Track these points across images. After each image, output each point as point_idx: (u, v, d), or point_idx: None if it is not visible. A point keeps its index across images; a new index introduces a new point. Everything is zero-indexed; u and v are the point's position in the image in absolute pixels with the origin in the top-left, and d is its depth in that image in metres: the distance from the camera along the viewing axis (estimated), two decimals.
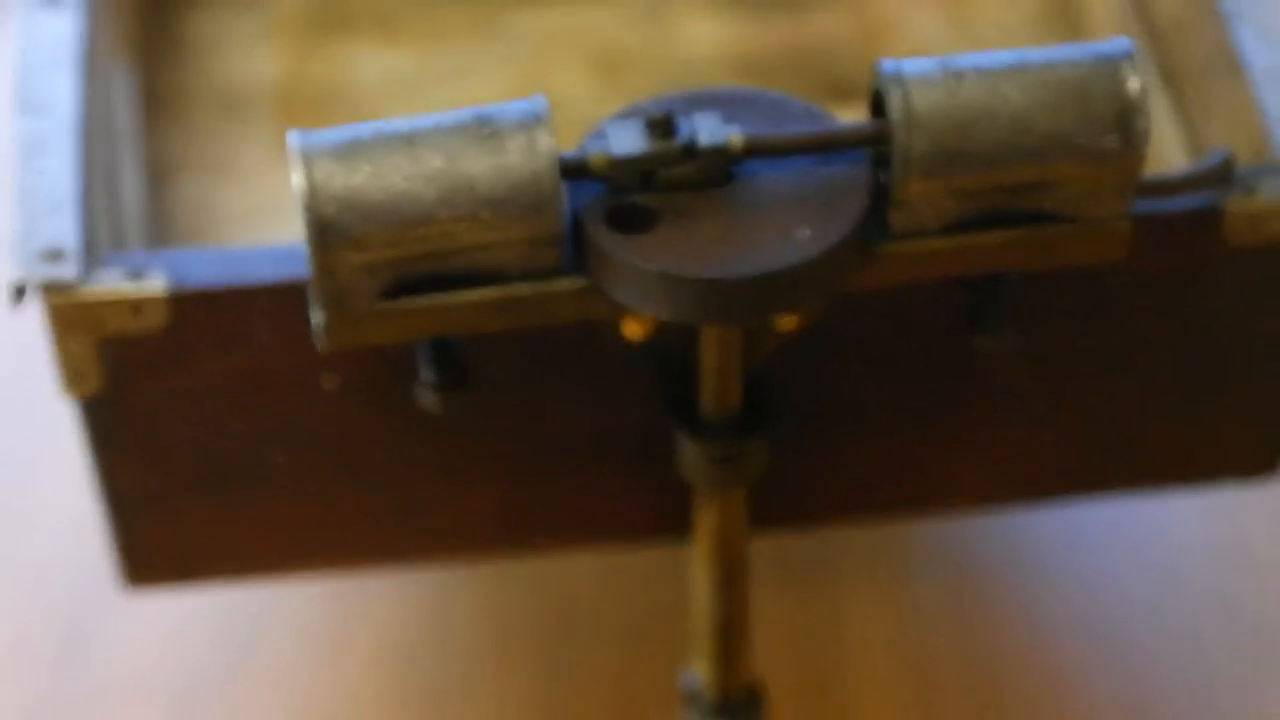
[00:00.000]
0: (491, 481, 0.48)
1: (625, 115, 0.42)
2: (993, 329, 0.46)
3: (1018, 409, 0.49)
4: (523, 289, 0.42)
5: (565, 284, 0.42)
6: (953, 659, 0.64)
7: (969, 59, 0.41)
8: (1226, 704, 0.63)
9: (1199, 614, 0.66)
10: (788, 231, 0.41)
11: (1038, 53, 0.42)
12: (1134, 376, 0.49)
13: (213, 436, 0.46)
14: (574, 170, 0.41)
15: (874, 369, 0.48)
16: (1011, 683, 0.64)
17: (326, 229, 0.40)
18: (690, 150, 0.41)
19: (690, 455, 0.46)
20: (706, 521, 0.47)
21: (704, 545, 0.48)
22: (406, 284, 0.42)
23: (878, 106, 0.42)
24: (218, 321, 0.45)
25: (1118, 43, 0.42)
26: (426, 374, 0.45)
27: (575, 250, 0.41)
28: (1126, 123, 0.41)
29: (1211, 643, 0.65)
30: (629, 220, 0.41)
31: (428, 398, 0.45)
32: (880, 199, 0.42)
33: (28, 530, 0.69)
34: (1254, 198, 0.47)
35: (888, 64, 0.41)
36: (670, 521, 0.49)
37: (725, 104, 0.42)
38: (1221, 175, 0.47)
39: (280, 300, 0.45)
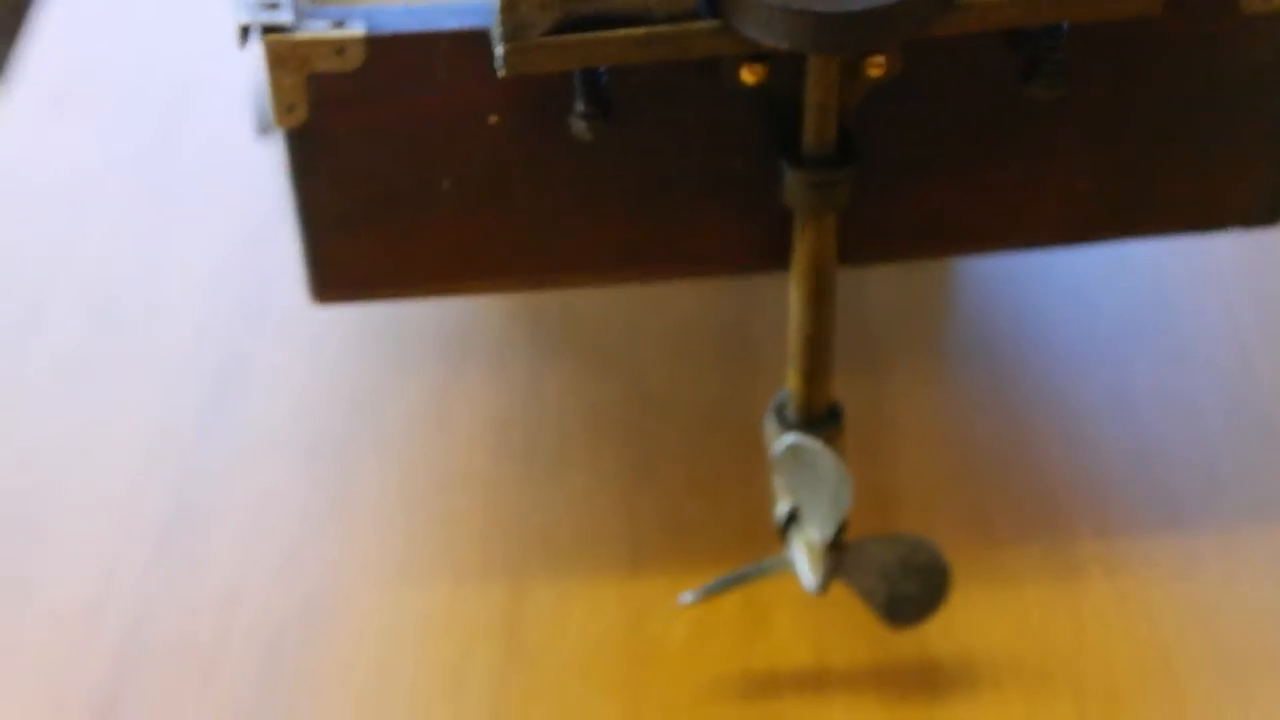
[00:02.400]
0: (618, 212, 0.57)
1: None
2: (1045, 81, 0.56)
3: (1060, 157, 0.59)
4: (665, 29, 0.51)
5: (700, 25, 0.52)
6: (989, 438, 0.74)
7: None
8: (1226, 474, 0.73)
9: (1201, 389, 0.76)
10: None
11: None
12: (1157, 131, 0.58)
13: (393, 167, 0.56)
14: None
15: (942, 116, 0.57)
16: (1043, 461, 0.73)
17: None
18: None
19: (793, 183, 0.55)
20: (803, 244, 0.57)
21: (801, 266, 0.57)
22: (572, 23, 0.51)
23: None
24: (406, 62, 0.54)
25: None
26: (579, 106, 0.55)
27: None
28: None
29: (1212, 414, 0.75)
30: None
31: (579, 126, 0.55)
32: None
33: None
34: None
35: None
36: (770, 251, 0.59)
37: None
38: None
39: (460, 44, 0.54)
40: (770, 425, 0.61)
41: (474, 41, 0.54)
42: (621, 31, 0.51)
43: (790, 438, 0.58)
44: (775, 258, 0.59)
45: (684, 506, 0.71)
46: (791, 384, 0.60)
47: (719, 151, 0.57)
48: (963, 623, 0.66)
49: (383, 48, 0.54)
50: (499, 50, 0.51)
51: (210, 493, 0.72)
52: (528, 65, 0.51)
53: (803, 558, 0.59)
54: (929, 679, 0.64)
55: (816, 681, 0.64)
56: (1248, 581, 0.67)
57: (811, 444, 0.57)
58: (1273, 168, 0.59)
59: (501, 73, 0.52)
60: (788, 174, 0.55)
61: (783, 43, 0.50)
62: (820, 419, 0.60)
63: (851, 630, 0.66)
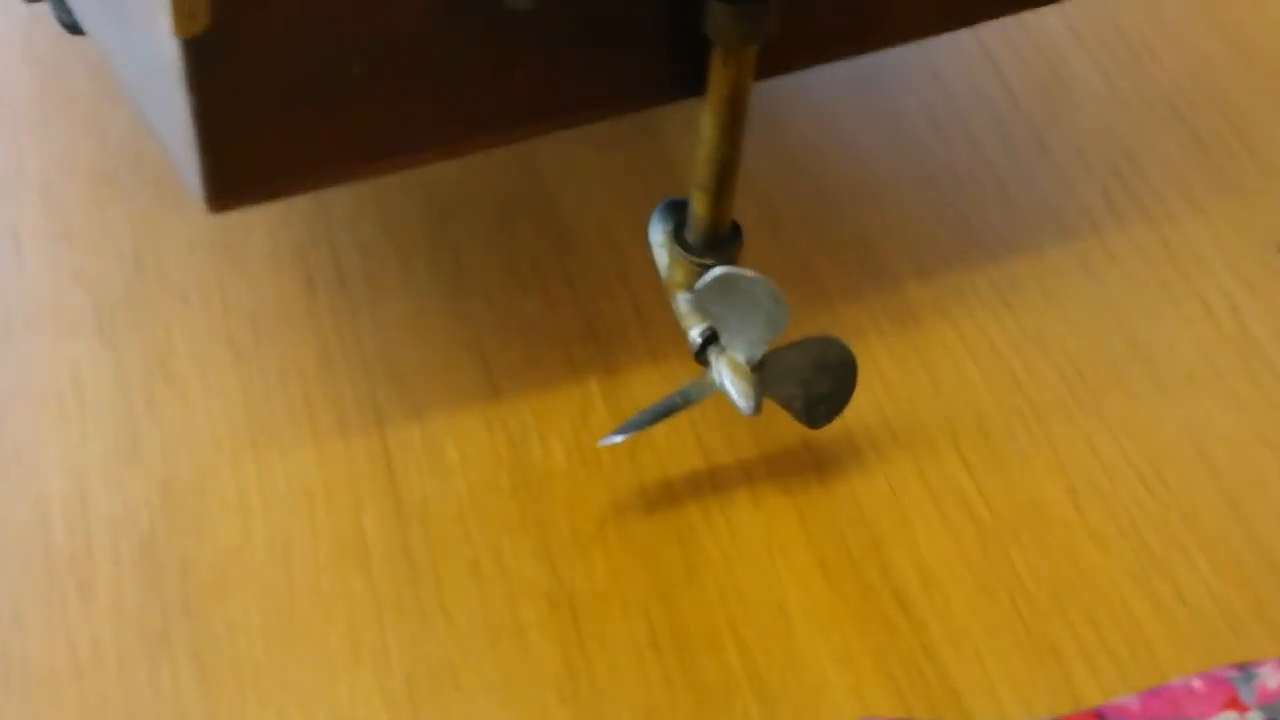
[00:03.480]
0: (533, 63, 0.54)
1: None
2: None
3: None
4: None
5: None
6: (792, 192, 0.74)
7: None
8: (1017, 192, 0.75)
9: (970, 113, 0.78)
10: None
11: None
12: None
13: (299, 58, 0.51)
14: None
15: None
16: (848, 208, 0.74)
17: None
18: None
19: (719, 15, 0.53)
20: (724, 75, 0.55)
21: (719, 96, 0.55)
22: None
23: None
24: None
25: None
26: None
27: None
28: None
29: (986, 136, 0.77)
30: None
31: None
32: None
33: None
34: None
35: None
36: (685, 81, 0.56)
37: None
38: None
39: None
40: (668, 249, 0.60)
41: None
42: None
43: (719, 270, 0.57)
44: (691, 87, 0.57)
45: (519, 309, 0.69)
46: (697, 209, 0.58)
47: None
48: None
49: None
50: None
51: (10, 381, 0.66)
52: None
53: (730, 380, 0.58)
54: (815, 457, 0.65)
55: (712, 481, 0.65)
56: (1065, 294, 0.70)
57: (745, 274, 0.57)
58: None
59: None
60: (712, 5, 0.53)
61: None
62: (725, 238, 0.59)
63: (727, 425, 0.66)
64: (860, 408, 0.66)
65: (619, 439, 0.60)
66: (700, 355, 0.59)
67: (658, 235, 0.60)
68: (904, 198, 0.74)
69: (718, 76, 0.55)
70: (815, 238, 0.72)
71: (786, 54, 0.57)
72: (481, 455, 0.65)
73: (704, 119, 0.56)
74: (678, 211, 0.60)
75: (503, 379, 0.67)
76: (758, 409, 0.58)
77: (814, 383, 0.60)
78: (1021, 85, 0.77)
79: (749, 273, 0.56)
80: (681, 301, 0.59)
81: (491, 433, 0.66)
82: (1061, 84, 0.79)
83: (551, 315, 0.69)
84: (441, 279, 0.70)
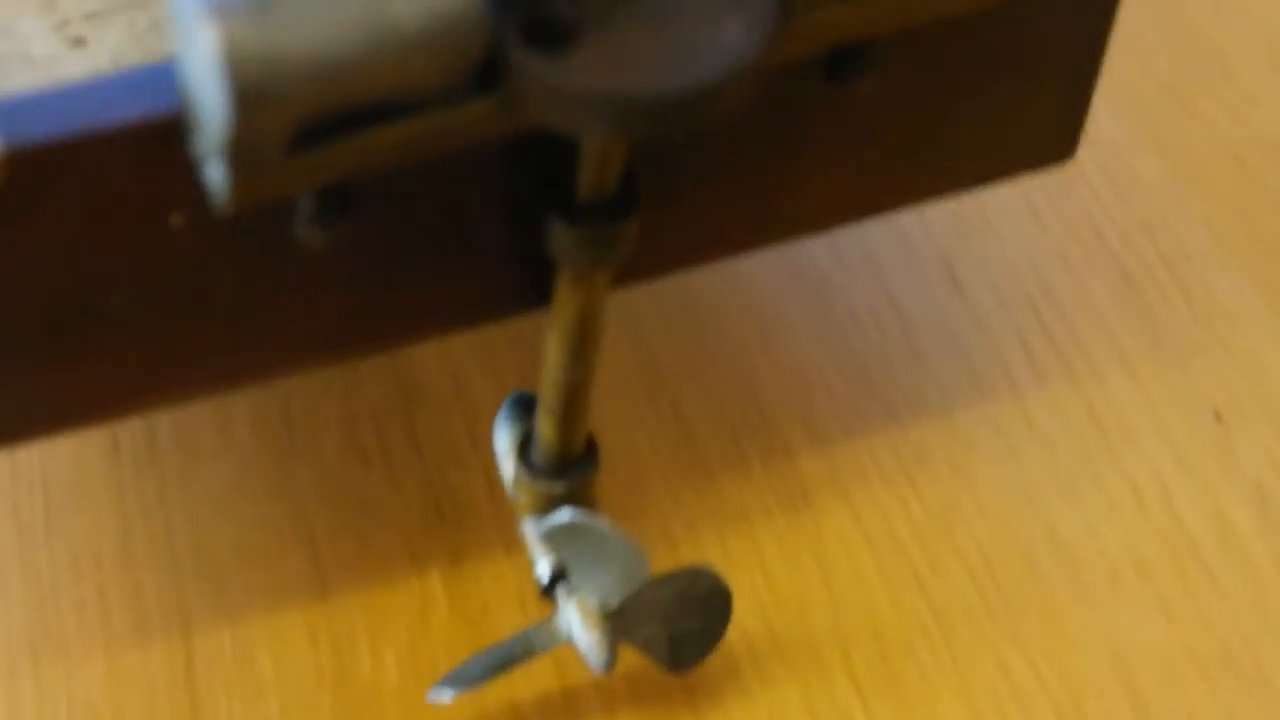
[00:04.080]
0: (340, 294, 0.45)
1: None
2: (851, 79, 0.45)
3: (849, 141, 0.49)
4: (443, 119, 0.38)
5: (487, 110, 0.39)
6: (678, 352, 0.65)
7: None
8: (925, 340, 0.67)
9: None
10: (714, 27, 0.38)
11: None
12: (946, 90, 0.49)
13: (48, 287, 0.41)
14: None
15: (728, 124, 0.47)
16: (738, 363, 0.65)
17: (244, 94, 0.36)
18: None
19: (562, 240, 0.44)
20: (572, 299, 0.46)
21: (566, 319, 0.46)
22: (317, 128, 0.38)
23: None
24: (62, 174, 0.39)
25: None
26: (308, 206, 0.41)
27: (493, 73, 0.38)
28: None
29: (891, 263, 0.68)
30: (550, 35, 0.38)
31: (309, 233, 0.41)
32: None
33: None
34: None
35: None
36: (520, 299, 0.47)
37: None
38: None
39: (133, 138, 0.39)
40: (514, 464, 0.51)
41: (152, 132, 0.40)
42: (388, 131, 0.38)
43: (565, 515, 0.48)
44: (536, 299, 0.48)
45: (356, 481, 0.60)
46: (544, 431, 0.49)
47: (472, 197, 0.45)
48: None
49: (29, 163, 0.39)
50: (216, 177, 0.38)
51: None
52: (264, 192, 0.38)
53: (579, 628, 0.50)
54: (686, 681, 0.57)
55: (567, 707, 0.56)
56: (976, 468, 0.62)
57: (598, 526, 0.48)
58: (1066, 104, 0.51)
59: (224, 206, 0.38)
60: (554, 227, 0.44)
61: (601, 131, 0.38)
62: (577, 461, 0.50)
63: None
64: (743, 612, 0.58)
65: (449, 696, 0.51)
66: (548, 591, 0.50)
67: (503, 442, 0.51)
68: (798, 343, 0.65)
69: (565, 300, 0.46)
70: (698, 392, 0.63)
71: (655, 259, 0.48)
72: (300, 668, 0.56)
73: (549, 339, 0.47)
74: (528, 414, 0.51)
75: (332, 569, 0.58)
76: (610, 665, 0.50)
77: (679, 620, 0.51)
78: (932, 205, 0.69)
79: (602, 525, 0.48)
80: (529, 527, 0.51)
81: (314, 639, 0.57)
82: (975, 202, 0.70)
83: (393, 489, 0.60)
84: (267, 441, 0.61)
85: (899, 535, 0.61)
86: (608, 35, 0.37)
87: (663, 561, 0.58)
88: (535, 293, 0.47)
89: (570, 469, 0.50)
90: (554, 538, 0.49)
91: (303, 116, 0.36)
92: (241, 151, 0.36)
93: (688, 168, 0.47)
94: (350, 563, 0.58)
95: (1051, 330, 0.66)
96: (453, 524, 0.60)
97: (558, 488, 0.49)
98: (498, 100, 0.37)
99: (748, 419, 0.63)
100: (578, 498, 0.49)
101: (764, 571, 0.59)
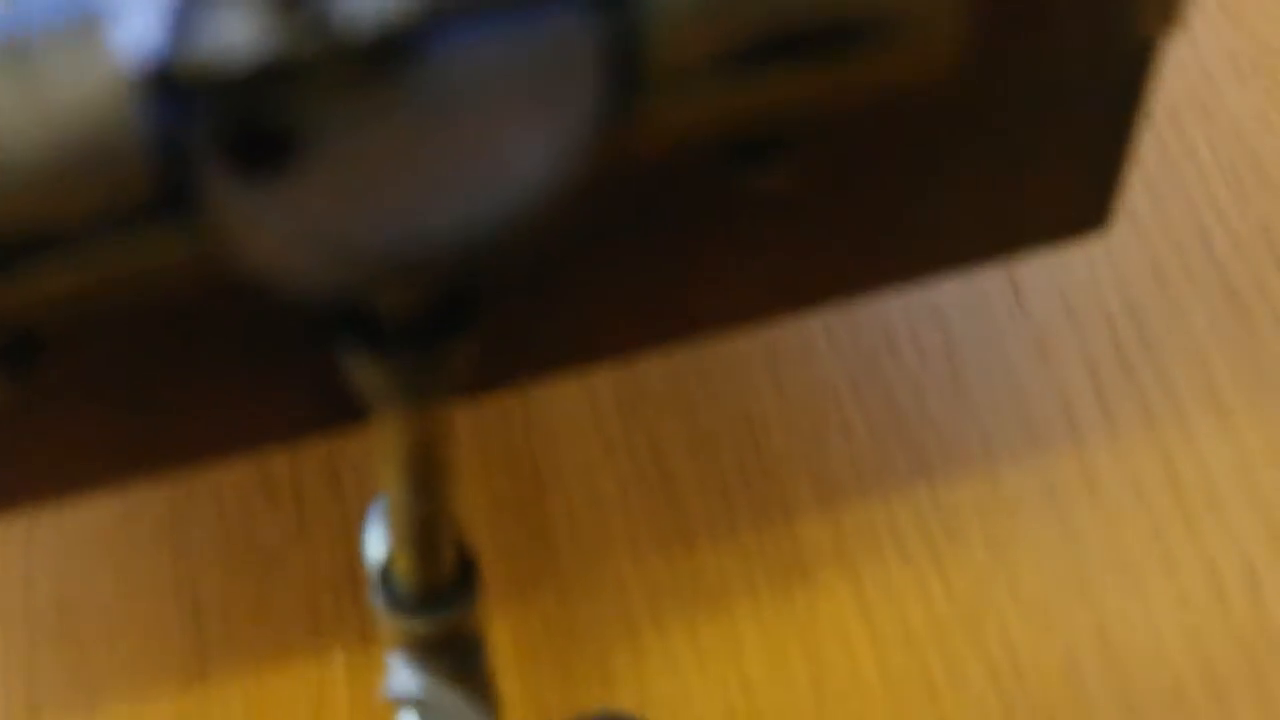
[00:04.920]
0: (99, 414, 0.34)
1: None
2: (762, 169, 0.33)
3: (779, 226, 0.37)
4: (107, 258, 0.27)
5: (174, 245, 0.27)
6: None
7: None
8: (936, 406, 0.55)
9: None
10: (499, 140, 0.26)
11: None
12: (907, 167, 0.37)
13: None
14: (163, 86, 0.26)
15: (625, 217, 0.35)
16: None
17: None
18: (332, 36, 0.26)
19: (364, 373, 0.32)
20: (399, 434, 0.35)
21: (394, 453, 0.35)
22: None
23: None
24: None
25: None
26: None
27: (183, 199, 0.27)
28: None
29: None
30: (257, 150, 0.26)
31: None
32: (624, 50, 0.28)
33: None
34: None
35: None
36: (336, 413, 0.36)
37: None
38: None
39: None
40: (382, 603, 0.40)
41: None
42: (42, 279, 0.27)
43: (421, 691, 0.37)
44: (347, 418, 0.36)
45: (259, 533, 0.50)
46: (401, 567, 0.39)
47: (249, 323, 0.33)
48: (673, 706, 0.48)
49: None
50: None
51: None
52: None
53: None
54: None
55: None
56: (1018, 543, 0.50)
57: (453, 703, 0.37)
58: (1087, 170, 0.39)
59: None
60: (351, 357, 0.32)
61: (325, 285, 0.27)
62: (447, 592, 0.39)
63: None
64: None
65: None
66: None
67: (375, 551, 0.40)
68: (815, 367, 0.54)
69: (392, 434, 0.34)
70: (683, 428, 0.52)
71: (530, 364, 0.37)
72: None
73: (389, 477, 0.36)
74: None
75: (216, 642, 0.48)
76: None
77: None
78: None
79: (455, 703, 0.37)
80: (392, 663, 0.40)
81: None
82: None
83: (301, 537, 0.50)
84: (155, 541, 0.51)
85: (912, 628, 0.49)
86: (344, 150, 0.25)
87: (594, 692, 0.47)
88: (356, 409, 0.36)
89: (439, 602, 0.39)
90: (404, 703, 0.38)
91: None
92: None
93: (562, 254, 0.35)
94: (239, 634, 0.48)
95: (1130, 361, 0.54)
96: (367, 589, 0.49)
97: (422, 626, 0.39)
98: (187, 235, 0.26)
99: (742, 466, 0.52)
100: (453, 637, 0.39)
101: (739, 671, 0.48)
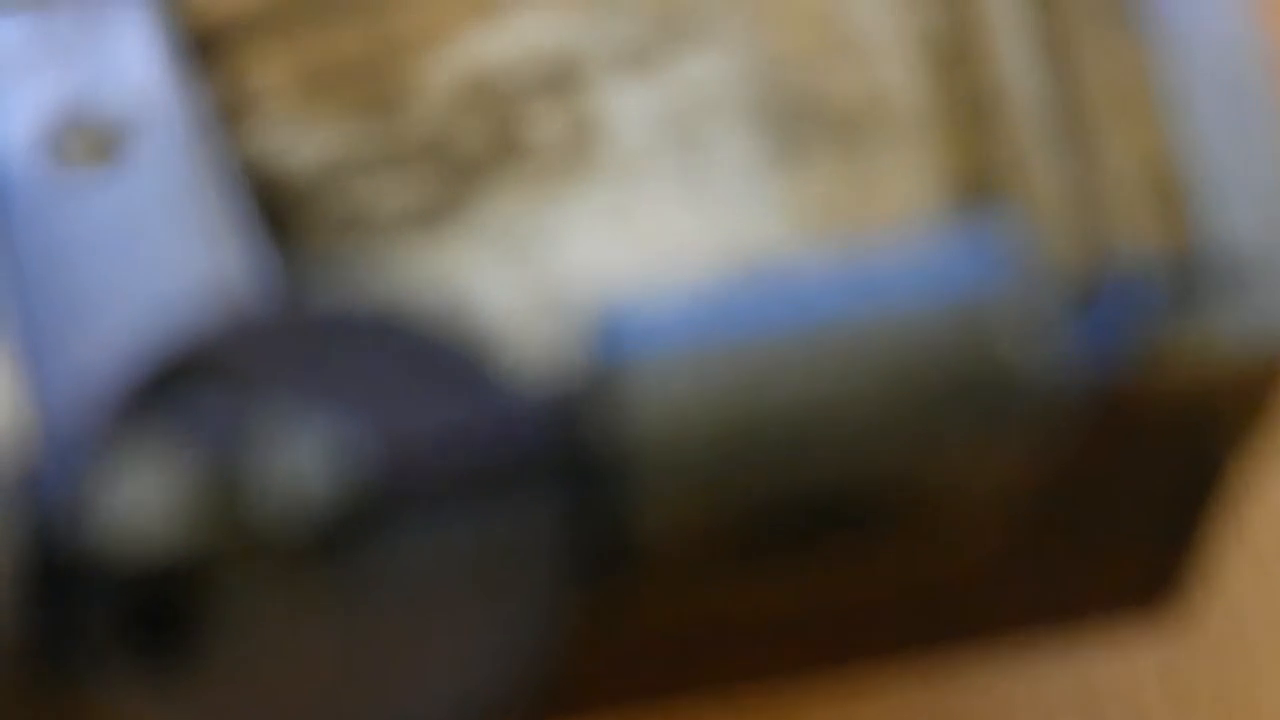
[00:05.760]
0: None
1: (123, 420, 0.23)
2: None
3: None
4: None
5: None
6: None
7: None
8: None
9: None
10: (436, 645, 0.23)
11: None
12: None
13: None
14: (55, 572, 0.23)
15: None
16: None
17: None
18: (258, 534, 0.23)
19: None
20: None
21: None
22: None
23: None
24: None
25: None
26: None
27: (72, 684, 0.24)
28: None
29: None
30: (157, 639, 0.23)
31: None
32: (600, 538, 0.24)
33: None
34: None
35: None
36: None
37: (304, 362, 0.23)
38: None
39: None
40: None
41: None
42: None
43: None
44: None
45: None
46: None
47: None
48: None
49: None
50: None
51: None
52: None
53: None
54: None
55: None
56: None
57: None
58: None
59: None
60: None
61: None
62: None
63: None
64: None
65: None
66: None
67: None
68: None
69: None
70: None
71: None
72: None
73: None
74: None
75: None
76: None
77: None
78: None
79: None
80: None
81: None
82: None
83: None
84: None
85: None
86: (254, 648, 0.23)
87: None
88: None
89: None
90: None
91: None
92: None
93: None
94: None
95: None
96: None
97: None
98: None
99: None
100: None
101: None
